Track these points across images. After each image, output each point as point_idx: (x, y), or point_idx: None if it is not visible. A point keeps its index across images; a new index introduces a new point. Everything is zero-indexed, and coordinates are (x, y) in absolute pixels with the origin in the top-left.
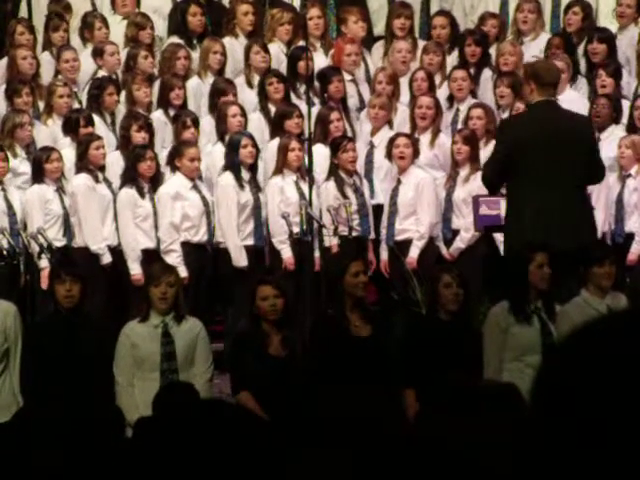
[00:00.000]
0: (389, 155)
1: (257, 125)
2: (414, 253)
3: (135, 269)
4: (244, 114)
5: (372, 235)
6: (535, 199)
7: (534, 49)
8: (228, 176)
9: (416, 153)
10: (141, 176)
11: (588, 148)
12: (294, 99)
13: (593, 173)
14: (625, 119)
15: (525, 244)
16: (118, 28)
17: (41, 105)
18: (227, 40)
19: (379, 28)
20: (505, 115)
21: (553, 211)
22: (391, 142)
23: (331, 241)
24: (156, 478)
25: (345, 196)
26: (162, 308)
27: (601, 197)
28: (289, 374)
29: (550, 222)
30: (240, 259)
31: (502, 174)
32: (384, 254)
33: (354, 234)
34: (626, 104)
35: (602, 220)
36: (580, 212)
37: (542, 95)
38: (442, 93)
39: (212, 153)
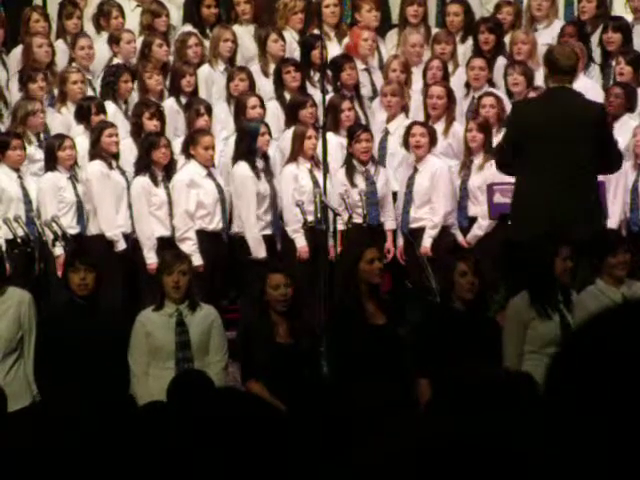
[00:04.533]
0: (406, 144)
1: (274, 113)
2: (427, 242)
3: (151, 258)
4: (263, 105)
5: (392, 225)
6: (539, 187)
7: (547, 36)
8: (244, 166)
9: (433, 142)
10: (155, 164)
11: (601, 136)
12: (308, 87)
13: (607, 162)
14: None
15: (546, 236)
16: (132, 16)
17: (56, 93)
18: (235, 28)
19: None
20: None
21: (556, 200)
22: (407, 131)
23: (343, 227)
24: (168, 467)
25: (353, 184)
26: (176, 297)
27: (619, 186)
28: (297, 362)
29: (553, 211)
30: (259, 251)
31: (511, 157)
32: (399, 242)
33: (360, 221)
34: None
35: (619, 209)
36: (583, 202)
37: (556, 81)
38: (455, 81)
39: (229, 143)
